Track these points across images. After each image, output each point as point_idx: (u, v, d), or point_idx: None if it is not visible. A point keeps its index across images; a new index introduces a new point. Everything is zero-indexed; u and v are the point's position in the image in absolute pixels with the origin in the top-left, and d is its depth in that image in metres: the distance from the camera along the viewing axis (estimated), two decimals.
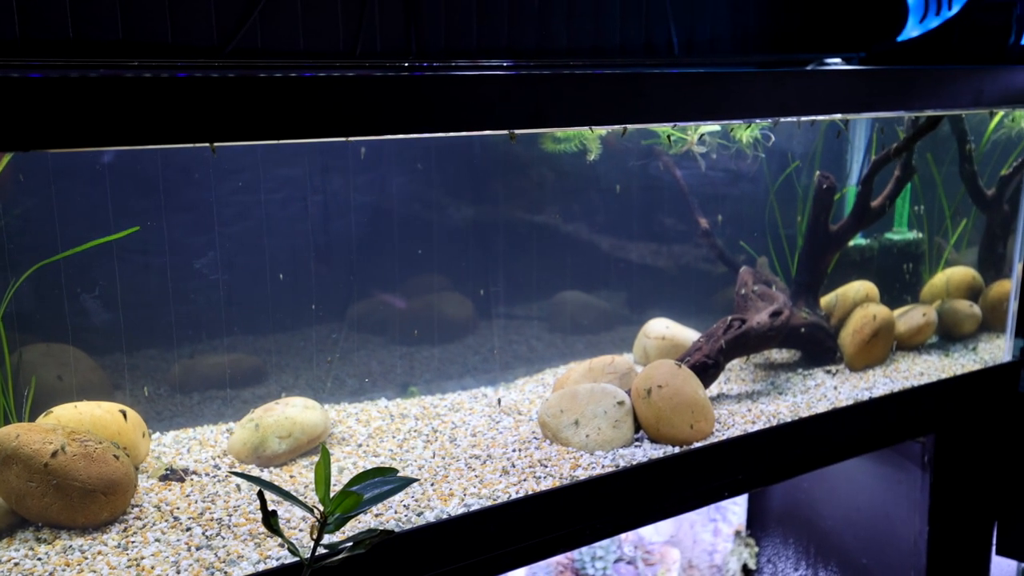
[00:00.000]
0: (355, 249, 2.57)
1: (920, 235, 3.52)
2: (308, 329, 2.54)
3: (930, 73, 2.77)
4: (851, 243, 3.24)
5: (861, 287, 3.23)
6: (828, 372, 2.98)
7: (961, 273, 3.47)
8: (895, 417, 2.85)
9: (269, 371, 2.52)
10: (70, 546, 1.84)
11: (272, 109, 1.80)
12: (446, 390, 2.77)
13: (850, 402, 2.74)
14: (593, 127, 2.46)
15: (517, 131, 2.11)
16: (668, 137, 2.84)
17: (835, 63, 3.07)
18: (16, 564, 1.77)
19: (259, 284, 2.44)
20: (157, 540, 1.87)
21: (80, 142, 1.67)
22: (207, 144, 1.76)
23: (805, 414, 2.63)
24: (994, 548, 3.27)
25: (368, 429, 2.47)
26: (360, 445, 2.37)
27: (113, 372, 2.30)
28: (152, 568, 1.77)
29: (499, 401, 2.69)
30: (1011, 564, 3.46)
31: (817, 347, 3.03)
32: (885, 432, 2.87)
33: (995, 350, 3.25)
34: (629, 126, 2.30)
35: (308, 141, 2.23)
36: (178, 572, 1.77)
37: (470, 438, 2.42)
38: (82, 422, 2.06)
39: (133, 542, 1.86)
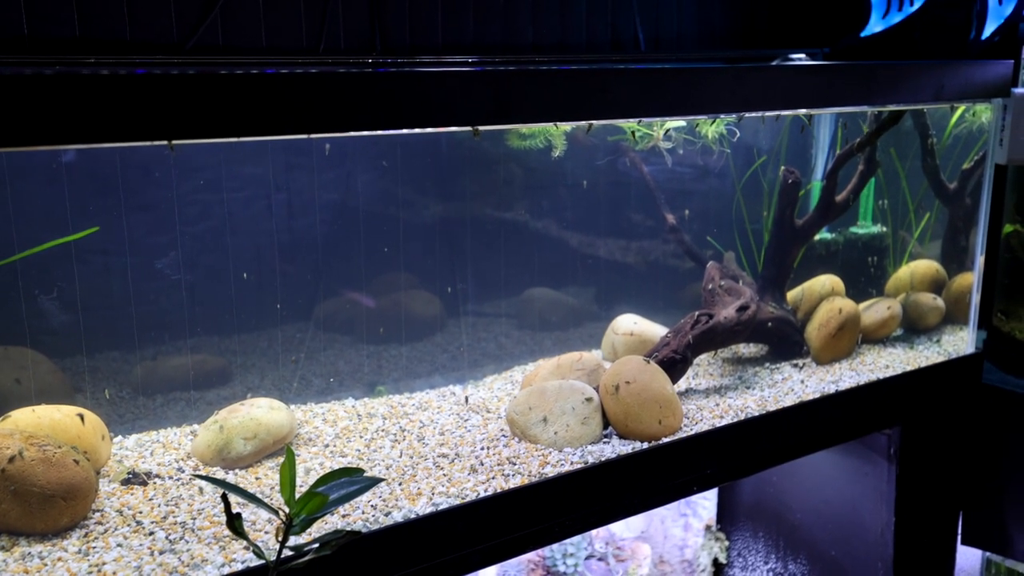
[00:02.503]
0: (320, 247, 2.54)
1: (884, 229, 3.55)
2: (273, 329, 2.51)
3: (891, 68, 2.80)
4: (816, 237, 3.27)
5: (827, 281, 3.25)
6: (795, 366, 3.00)
7: (925, 266, 3.51)
8: (861, 410, 2.88)
9: (234, 372, 2.49)
10: (29, 553, 1.80)
11: (234, 106, 1.78)
12: (414, 389, 2.75)
13: (817, 395, 2.76)
14: (558, 123, 2.46)
15: (483, 127, 2.10)
16: (633, 133, 2.84)
17: (799, 59, 3.09)
18: None
19: (223, 284, 2.41)
20: (119, 545, 1.84)
21: (36, 141, 1.64)
22: (166, 142, 1.73)
23: (773, 408, 2.65)
24: (959, 538, 3.32)
25: (335, 429, 2.45)
26: (327, 445, 2.35)
27: (73, 375, 2.26)
28: (114, 573, 1.74)
29: (467, 399, 2.68)
30: (976, 553, 3.51)
31: (784, 341, 3.05)
32: (852, 425, 2.89)
33: (959, 342, 3.29)
34: (595, 122, 2.30)
35: (271, 139, 2.21)
36: None
37: (438, 437, 2.41)
38: (41, 426, 2.02)
39: (94, 547, 1.83)
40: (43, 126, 1.61)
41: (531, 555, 3.45)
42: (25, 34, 1.99)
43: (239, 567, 1.79)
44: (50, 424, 2.04)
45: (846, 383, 2.86)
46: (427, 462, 2.25)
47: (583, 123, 2.30)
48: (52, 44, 2.02)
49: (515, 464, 2.24)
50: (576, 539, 3.50)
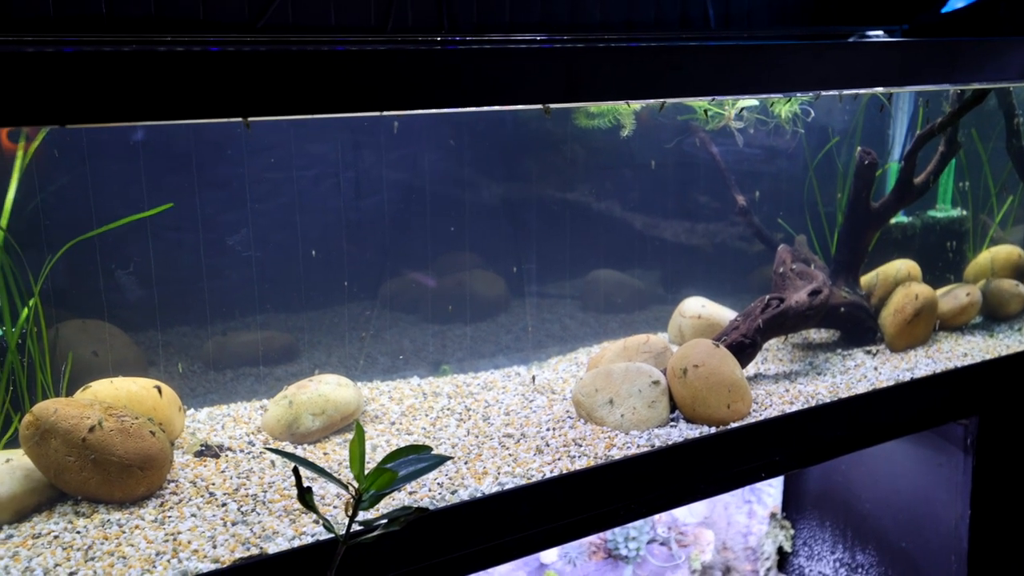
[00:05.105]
0: (387, 227, 2.55)
1: (964, 212, 3.43)
2: (340, 307, 2.54)
3: (975, 45, 2.69)
4: (893, 221, 3.17)
5: (903, 266, 3.16)
6: (868, 352, 2.92)
7: (1006, 251, 3.38)
8: (937, 399, 2.79)
9: (302, 348, 2.52)
10: (108, 520, 1.85)
11: (304, 83, 1.78)
12: (478, 368, 2.75)
13: (891, 383, 2.68)
14: (629, 101, 2.42)
15: (553, 105, 2.07)
16: (705, 112, 2.78)
17: (877, 36, 2.99)
18: (56, 537, 1.78)
19: (291, 261, 2.43)
20: (193, 515, 1.88)
21: (114, 117, 1.67)
22: (240, 119, 1.75)
23: (844, 395, 2.58)
24: None
25: (401, 407, 2.46)
26: (393, 423, 2.37)
27: (147, 348, 2.31)
28: (189, 543, 1.78)
29: (534, 379, 2.67)
30: None
31: (857, 327, 2.97)
32: (927, 414, 2.81)
33: None
34: (667, 100, 2.26)
35: (340, 117, 2.22)
36: (214, 547, 1.77)
37: (503, 417, 2.40)
38: (118, 398, 2.07)
39: (170, 517, 1.87)
40: (122, 102, 1.63)
41: (593, 538, 3.43)
42: (104, 13, 2.02)
43: (309, 540, 1.81)
44: (127, 396, 2.09)
45: (922, 371, 2.77)
46: (492, 442, 2.25)
47: (655, 102, 2.26)
48: (129, 23, 2.06)
49: (581, 446, 2.23)
50: (639, 523, 3.47)
